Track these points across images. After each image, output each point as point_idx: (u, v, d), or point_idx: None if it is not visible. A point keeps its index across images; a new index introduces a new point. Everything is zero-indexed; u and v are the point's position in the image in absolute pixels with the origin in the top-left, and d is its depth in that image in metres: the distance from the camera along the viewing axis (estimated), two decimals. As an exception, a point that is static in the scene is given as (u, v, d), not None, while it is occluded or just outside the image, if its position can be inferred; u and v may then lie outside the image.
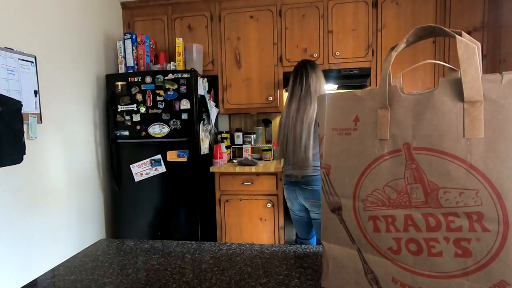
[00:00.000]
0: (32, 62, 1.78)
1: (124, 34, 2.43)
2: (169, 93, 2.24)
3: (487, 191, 0.36)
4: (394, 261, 0.43)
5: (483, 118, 0.36)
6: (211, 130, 2.56)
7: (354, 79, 2.41)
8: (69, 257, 0.69)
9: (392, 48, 0.45)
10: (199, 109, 2.31)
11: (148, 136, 2.28)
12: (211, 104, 2.51)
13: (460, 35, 0.39)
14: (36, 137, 1.79)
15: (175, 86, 2.23)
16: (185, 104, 2.22)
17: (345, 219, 0.48)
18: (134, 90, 2.27)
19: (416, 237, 0.41)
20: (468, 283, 0.38)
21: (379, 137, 0.43)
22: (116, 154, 2.33)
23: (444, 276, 0.39)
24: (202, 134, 2.35)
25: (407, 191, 0.41)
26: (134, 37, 2.42)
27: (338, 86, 2.49)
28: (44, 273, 0.62)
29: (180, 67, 2.40)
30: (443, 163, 0.38)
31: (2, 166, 1.54)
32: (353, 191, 0.47)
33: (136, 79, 2.27)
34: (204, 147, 2.40)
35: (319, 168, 1.56)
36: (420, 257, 0.41)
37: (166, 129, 2.26)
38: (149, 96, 2.26)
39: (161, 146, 2.26)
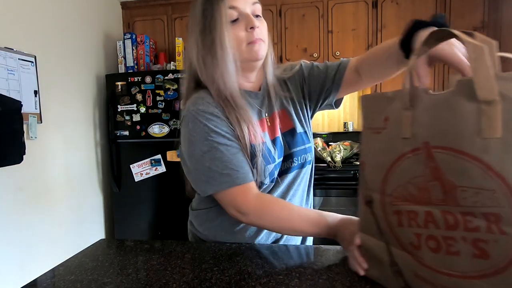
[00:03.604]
0: (32, 62, 1.78)
1: (124, 34, 2.43)
2: (169, 93, 2.24)
3: (504, 193, 0.35)
4: (415, 256, 0.44)
5: (501, 117, 0.35)
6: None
7: (354, 79, 2.41)
8: (69, 257, 0.69)
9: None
10: (199, 109, 2.31)
11: (148, 136, 2.28)
12: (211, 104, 2.50)
13: (472, 35, 0.39)
14: (36, 137, 1.79)
15: (175, 86, 2.23)
16: (185, 104, 2.22)
17: (375, 212, 0.51)
18: (134, 90, 2.27)
19: (435, 234, 0.41)
20: (487, 286, 0.37)
21: (403, 135, 0.45)
22: (116, 154, 2.33)
23: (462, 276, 0.39)
24: (202, 134, 2.35)
25: (427, 189, 0.42)
26: (134, 37, 2.41)
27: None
28: (44, 273, 0.62)
29: (180, 67, 2.40)
30: (460, 162, 0.38)
31: (2, 166, 1.54)
32: (381, 186, 0.49)
33: (136, 79, 2.27)
34: (204, 147, 2.39)
35: None
36: (439, 255, 0.41)
37: (166, 129, 2.26)
38: (149, 96, 2.26)
39: (161, 146, 2.26)
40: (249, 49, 0.70)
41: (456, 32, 0.41)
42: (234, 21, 0.69)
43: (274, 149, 0.75)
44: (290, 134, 0.78)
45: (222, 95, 0.71)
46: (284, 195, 0.78)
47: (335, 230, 0.65)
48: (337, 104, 0.85)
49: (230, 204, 0.70)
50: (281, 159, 0.76)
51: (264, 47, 0.72)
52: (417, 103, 0.43)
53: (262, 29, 0.72)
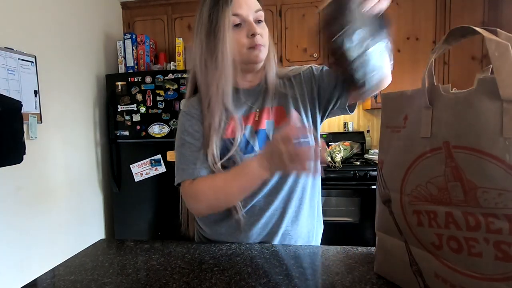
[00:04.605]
0: (32, 62, 1.78)
1: (124, 34, 2.43)
2: (169, 93, 2.24)
3: None
4: (436, 256, 0.44)
5: None
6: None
7: (354, 79, 2.41)
8: (69, 257, 0.69)
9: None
10: (199, 109, 2.31)
11: (148, 136, 2.28)
12: (211, 104, 2.50)
13: (496, 32, 0.39)
14: (36, 137, 1.79)
15: (175, 86, 2.23)
16: (185, 104, 2.22)
17: (393, 211, 0.50)
18: (134, 90, 2.27)
19: (456, 235, 0.41)
20: None
21: (422, 135, 0.44)
22: (116, 154, 2.33)
23: (484, 278, 0.38)
24: (202, 134, 2.35)
25: (447, 189, 0.41)
26: (134, 37, 2.42)
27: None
28: (44, 273, 0.62)
29: (180, 67, 2.40)
30: (481, 162, 0.37)
31: (2, 166, 1.54)
32: (400, 185, 0.48)
33: (136, 79, 2.27)
34: (204, 147, 2.40)
35: None
36: (460, 256, 0.41)
37: (166, 129, 2.26)
38: (149, 96, 2.26)
39: (161, 146, 2.26)
40: (249, 52, 0.73)
41: (478, 29, 0.39)
42: (237, 25, 0.72)
43: (254, 140, 0.77)
44: None
45: (207, 101, 0.74)
46: (277, 189, 0.78)
47: (260, 163, 0.65)
48: (351, 108, 0.85)
49: (183, 195, 0.76)
50: None
51: (264, 51, 0.75)
52: (437, 102, 0.43)
53: (263, 35, 0.74)
